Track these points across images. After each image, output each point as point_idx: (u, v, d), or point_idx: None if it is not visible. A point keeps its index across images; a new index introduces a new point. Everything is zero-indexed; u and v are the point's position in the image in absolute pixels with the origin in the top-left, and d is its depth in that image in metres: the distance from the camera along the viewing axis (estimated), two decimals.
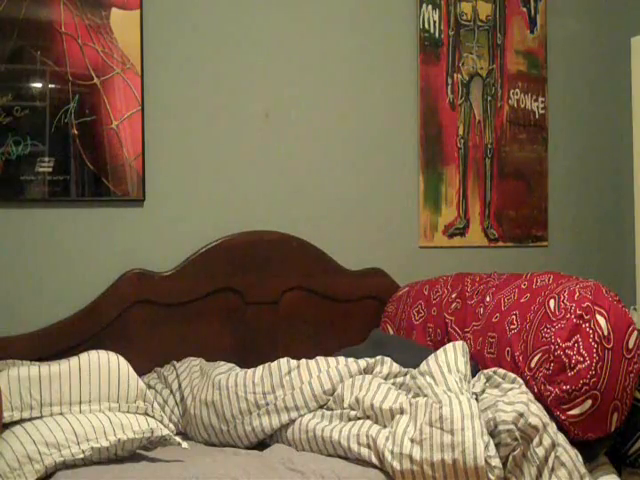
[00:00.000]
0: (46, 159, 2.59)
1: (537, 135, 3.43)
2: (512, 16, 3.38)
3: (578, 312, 2.11)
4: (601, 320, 2.09)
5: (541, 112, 3.43)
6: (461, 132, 3.26)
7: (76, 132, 2.63)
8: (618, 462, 2.23)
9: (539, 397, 2.12)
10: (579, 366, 2.05)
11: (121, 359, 2.11)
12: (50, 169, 2.60)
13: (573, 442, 2.09)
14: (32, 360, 2.38)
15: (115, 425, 1.95)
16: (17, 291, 2.58)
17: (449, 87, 3.24)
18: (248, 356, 2.67)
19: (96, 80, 2.65)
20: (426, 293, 2.79)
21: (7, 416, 1.92)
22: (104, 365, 2.06)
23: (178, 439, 2.03)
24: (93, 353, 2.10)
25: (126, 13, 2.69)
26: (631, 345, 2.09)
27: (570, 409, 2.07)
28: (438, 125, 3.22)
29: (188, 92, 2.81)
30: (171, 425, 2.07)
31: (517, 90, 3.38)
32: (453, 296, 2.67)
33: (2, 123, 2.54)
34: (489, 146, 3.32)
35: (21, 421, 1.95)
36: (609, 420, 2.08)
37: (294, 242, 2.89)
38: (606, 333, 2.07)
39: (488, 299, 2.48)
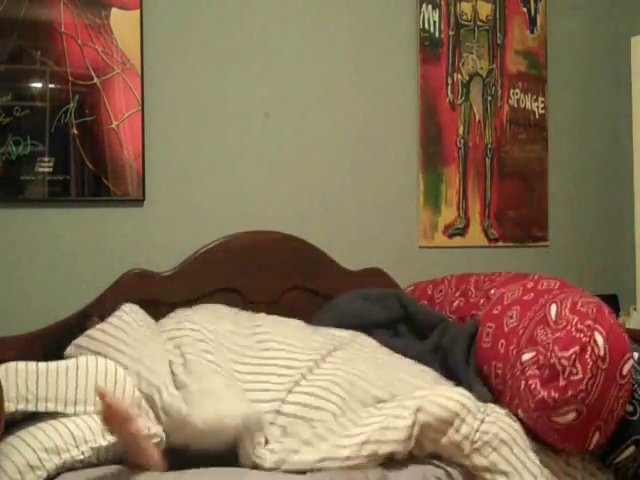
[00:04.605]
0: (46, 159, 2.59)
1: (537, 135, 3.43)
2: (512, 16, 3.38)
3: (579, 326, 2.09)
4: (599, 339, 2.05)
5: (541, 112, 3.43)
6: (461, 132, 3.26)
7: (76, 132, 2.63)
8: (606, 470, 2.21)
9: (526, 393, 2.11)
10: (572, 377, 2.03)
11: (119, 369, 2.08)
12: (50, 169, 2.60)
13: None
14: (31, 360, 2.36)
15: None
16: (17, 291, 2.58)
17: (449, 87, 3.24)
18: None
19: (96, 80, 2.65)
20: (430, 292, 2.80)
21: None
22: (101, 372, 2.04)
23: None
24: (91, 359, 2.08)
25: (126, 13, 2.69)
26: (625, 372, 2.06)
27: (553, 416, 2.05)
28: (438, 125, 3.22)
29: (188, 92, 2.81)
30: None
31: (517, 90, 3.38)
32: (457, 294, 2.67)
33: (2, 123, 2.54)
34: (489, 146, 3.32)
35: (15, 415, 1.94)
36: (590, 438, 2.05)
37: (294, 242, 2.89)
38: (602, 353, 2.04)
39: (492, 292, 2.49)
